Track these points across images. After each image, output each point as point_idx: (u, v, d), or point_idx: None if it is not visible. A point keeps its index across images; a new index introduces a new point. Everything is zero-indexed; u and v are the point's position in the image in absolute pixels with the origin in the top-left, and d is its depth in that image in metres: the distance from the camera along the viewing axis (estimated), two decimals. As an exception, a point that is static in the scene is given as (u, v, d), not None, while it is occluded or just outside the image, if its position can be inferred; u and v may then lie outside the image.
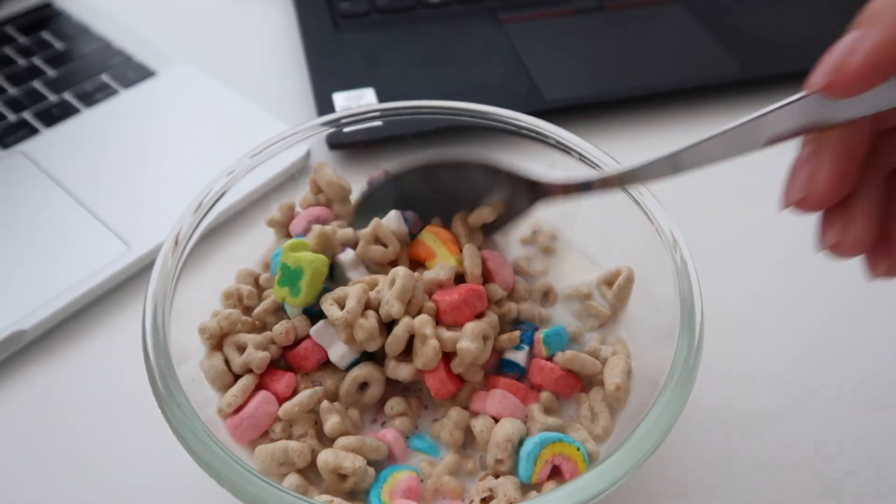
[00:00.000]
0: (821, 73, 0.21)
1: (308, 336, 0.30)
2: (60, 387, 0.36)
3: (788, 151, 0.24)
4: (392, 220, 0.33)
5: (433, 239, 0.33)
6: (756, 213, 0.46)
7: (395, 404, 0.29)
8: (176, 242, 0.30)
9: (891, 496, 0.33)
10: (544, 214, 0.37)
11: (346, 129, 0.38)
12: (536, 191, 0.31)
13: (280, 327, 0.29)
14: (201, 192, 0.32)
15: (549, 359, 0.30)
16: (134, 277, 0.40)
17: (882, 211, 0.23)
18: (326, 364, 0.30)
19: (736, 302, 0.40)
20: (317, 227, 0.31)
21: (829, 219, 0.23)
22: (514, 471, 0.27)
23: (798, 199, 0.22)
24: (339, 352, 0.29)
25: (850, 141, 0.22)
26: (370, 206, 0.35)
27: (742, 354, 0.37)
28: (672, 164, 0.25)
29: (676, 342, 0.27)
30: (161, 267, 0.29)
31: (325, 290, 0.30)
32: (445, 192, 0.33)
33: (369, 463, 0.27)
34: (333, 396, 0.29)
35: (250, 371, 0.29)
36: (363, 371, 0.29)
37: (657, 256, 0.30)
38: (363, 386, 0.29)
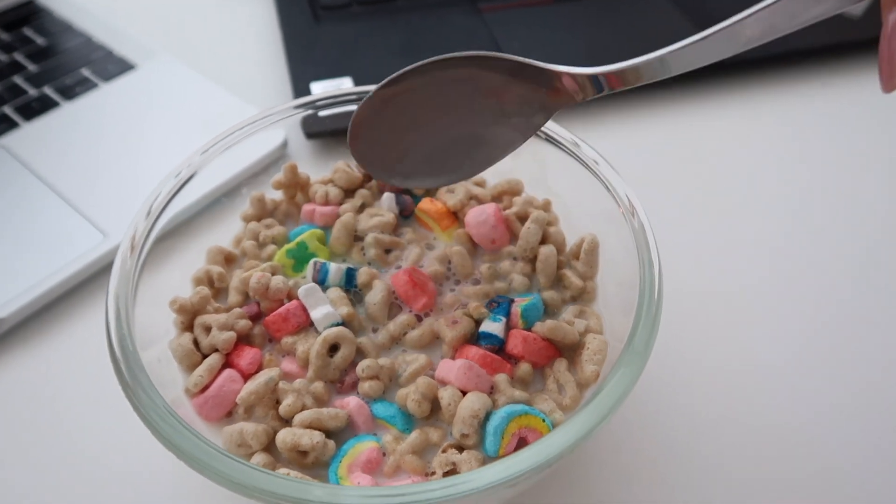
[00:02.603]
0: None
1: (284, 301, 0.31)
2: (39, 374, 0.36)
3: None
4: (385, 201, 0.35)
5: (426, 217, 0.35)
6: (738, 201, 0.46)
7: (367, 366, 0.29)
8: (132, 246, 0.30)
9: (870, 481, 0.33)
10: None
11: (322, 114, 0.38)
12: (549, 86, 0.28)
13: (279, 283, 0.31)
14: (150, 195, 0.32)
15: (528, 330, 0.30)
16: (111, 267, 0.40)
17: None
18: (301, 331, 0.31)
19: (728, 288, 0.40)
20: (339, 222, 0.34)
21: None
22: (479, 444, 0.28)
23: None
24: (322, 312, 0.30)
25: None
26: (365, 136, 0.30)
27: (720, 337, 0.38)
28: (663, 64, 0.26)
29: (636, 306, 0.27)
30: (119, 270, 0.29)
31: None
32: (443, 111, 0.30)
33: (331, 435, 0.27)
34: (305, 363, 0.29)
35: (217, 351, 0.29)
36: (333, 332, 0.29)
37: (617, 225, 0.31)
38: (333, 349, 0.29)
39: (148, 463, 0.33)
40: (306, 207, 0.36)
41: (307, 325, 0.31)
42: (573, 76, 0.28)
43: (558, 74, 0.28)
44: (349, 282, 0.32)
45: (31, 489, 0.32)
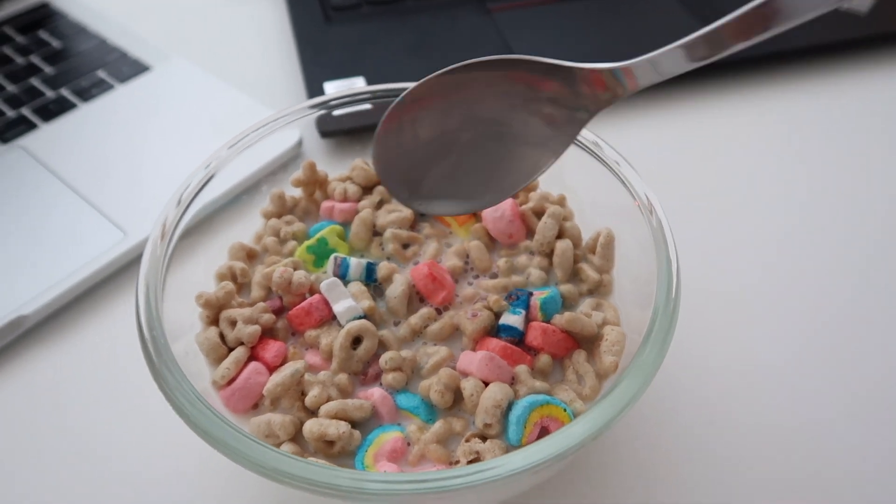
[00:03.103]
0: None
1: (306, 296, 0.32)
2: (61, 370, 0.37)
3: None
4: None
5: None
6: (752, 203, 0.46)
7: (390, 358, 0.30)
8: (162, 234, 0.31)
9: (876, 480, 0.33)
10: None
11: (336, 113, 0.39)
12: (579, 88, 0.27)
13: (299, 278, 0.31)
14: (181, 186, 0.33)
15: (547, 322, 0.31)
16: (131, 265, 0.41)
17: None
18: (324, 324, 0.31)
19: (731, 288, 0.40)
20: (358, 218, 0.35)
21: None
22: (502, 434, 0.28)
23: None
24: (344, 305, 0.31)
25: None
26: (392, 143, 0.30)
27: (736, 343, 0.38)
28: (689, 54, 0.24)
29: (654, 301, 0.28)
30: (150, 258, 0.30)
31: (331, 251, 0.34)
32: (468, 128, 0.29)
33: (356, 425, 0.28)
34: (328, 356, 0.30)
35: (242, 344, 0.30)
36: (356, 324, 0.30)
37: (636, 223, 0.31)
38: (356, 342, 0.30)
39: (170, 460, 0.33)
40: (325, 204, 0.36)
41: (329, 319, 0.31)
42: (601, 73, 0.26)
43: (586, 73, 0.26)
44: (369, 276, 0.33)
45: (52, 485, 0.33)
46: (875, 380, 0.36)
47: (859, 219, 0.44)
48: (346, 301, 0.31)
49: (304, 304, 0.31)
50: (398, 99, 0.28)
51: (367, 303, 0.31)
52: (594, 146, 0.34)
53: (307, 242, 0.34)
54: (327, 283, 0.31)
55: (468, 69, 0.27)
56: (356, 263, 0.33)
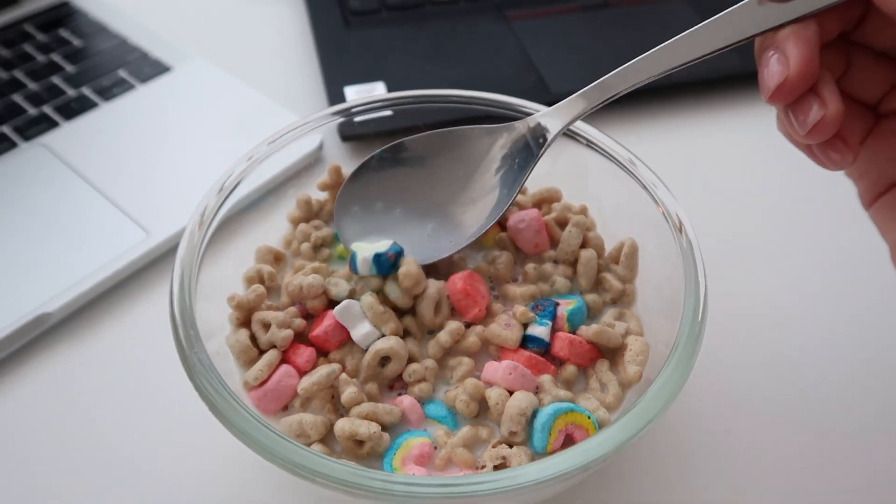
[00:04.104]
0: None
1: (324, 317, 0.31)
2: (83, 367, 0.37)
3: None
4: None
5: None
6: (770, 206, 0.47)
7: (413, 371, 0.30)
8: (201, 221, 0.31)
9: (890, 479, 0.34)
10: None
11: (357, 120, 0.39)
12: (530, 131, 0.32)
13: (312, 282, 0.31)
14: (224, 175, 0.34)
15: (573, 333, 0.31)
16: (153, 263, 0.42)
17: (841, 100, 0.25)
18: (345, 345, 0.31)
19: (750, 291, 0.41)
20: None
21: (804, 107, 0.25)
22: (527, 441, 0.28)
23: (778, 84, 0.24)
24: (361, 332, 0.30)
25: (805, 31, 0.24)
26: (354, 195, 0.34)
27: (755, 344, 0.39)
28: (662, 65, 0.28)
29: (681, 317, 0.28)
30: (187, 243, 0.31)
31: None
32: (433, 171, 0.34)
33: (385, 428, 0.28)
34: (354, 374, 0.30)
35: (274, 347, 0.30)
36: (386, 345, 0.30)
37: (664, 239, 0.32)
38: (384, 361, 0.30)
39: (193, 458, 0.34)
40: None
41: (349, 340, 0.31)
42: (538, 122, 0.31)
43: (521, 125, 0.31)
44: (381, 268, 0.31)
45: (74, 482, 0.33)
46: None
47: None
48: (364, 326, 0.30)
49: (321, 329, 0.30)
50: (347, 179, 0.33)
51: (391, 325, 0.30)
52: (628, 163, 0.34)
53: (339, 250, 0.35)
54: (340, 308, 0.31)
55: (413, 144, 0.33)
56: (363, 260, 0.31)
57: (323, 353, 0.31)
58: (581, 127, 0.36)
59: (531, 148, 0.32)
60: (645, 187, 0.33)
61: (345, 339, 0.31)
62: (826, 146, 0.26)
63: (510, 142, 0.33)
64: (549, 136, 0.32)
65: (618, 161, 0.34)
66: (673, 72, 0.28)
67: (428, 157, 0.34)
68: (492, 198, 0.33)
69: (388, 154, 0.34)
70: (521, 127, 0.33)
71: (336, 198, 0.34)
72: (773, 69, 0.25)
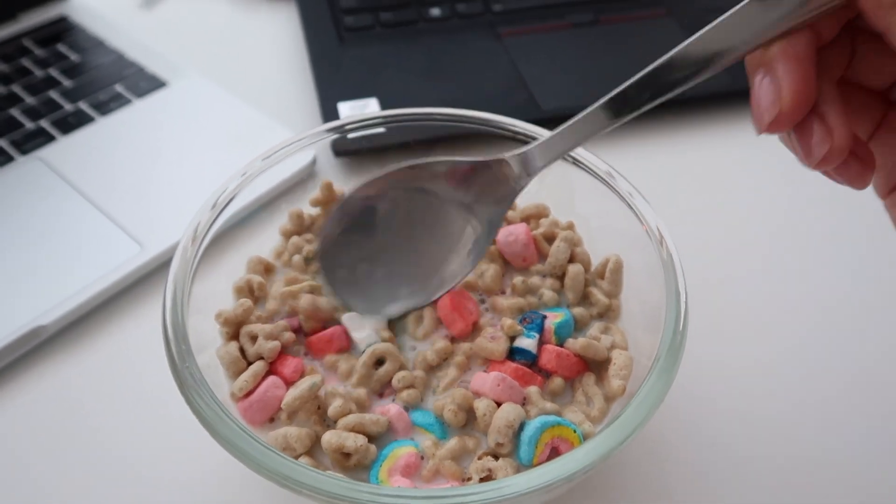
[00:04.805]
0: None
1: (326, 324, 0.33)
2: (78, 380, 0.38)
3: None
4: None
5: None
6: (751, 209, 0.48)
7: (402, 377, 0.30)
8: (194, 236, 0.32)
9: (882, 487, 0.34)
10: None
11: (351, 136, 0.40)
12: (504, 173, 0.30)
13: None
14: (217, 191, 0.34)
15: (560, 346, 0.32)
16: (147, 277, 0.42)
17: (847, 112, 0.23)
18: (343, 353, 0.32)
19: (733, 299, 0.42)
20: None
21: (806, 132, 0.23)
22: (513, 452, 0.29)
23: (773, 119, 0.23)
24: (363, 334, 0.32)
25: (796, 47, 0.22)
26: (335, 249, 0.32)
27: (740, 356, 0.39)
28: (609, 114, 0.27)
29: (662, 329, 0.29)
30: (180, 259, 0.31)
31: None
32: (405, 214, 0.32)
33: (371, 439, 0.29)
34: (348, 376, 0.31)
35: (261, 358, 0.31)
36: (381, 346, 0.31)
37: (646, 252, 0.32)
38: (378, 363, 0.31)
39: (186, 471, 0.34)
40: None
41: (348, 349, 0.33)
42: (509, 161, 0.30)
43: (500, 161, 0.30)
44: None
45: (68, 494, 0.34)
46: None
47: (866, 238, 0.45)
48: (367, 331, 0.32)
49: (326, 332, 0.32)
50: (330, 217, 0.31)
51: (386, 333, 0.32)
52: (607, 176, 0.35)
53: None
54: (349, 315, 0.33)
55: (389, 178, 0.31)
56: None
57: (318, 357, 0.32)
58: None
59: (504, 193, 0.31)
60: (623, 199, 0.34)
61: (344, 347, 0.32)
62: (841, 168, 0.24)
63: (483, 185, 0.31)
64: (519, 188, 0.31)
65: (596, 174, 0.35)
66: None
67: (402, 205, 0.32)
68: (470, 246, 0.32)
69: (361, 200, 0.31)
70: (494, 168, 0.30)
71: (319, 255, 0.31)
72: (765, 99, 0.23)
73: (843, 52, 0.24)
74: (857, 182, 0.25)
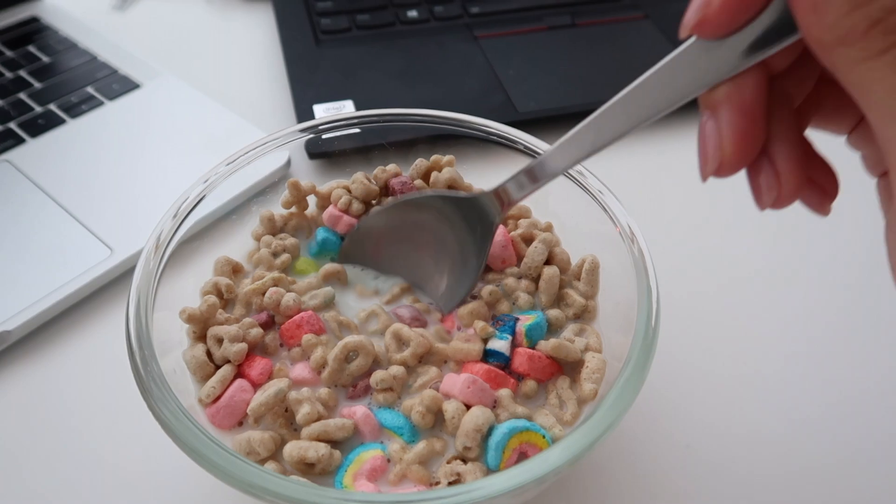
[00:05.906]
0: (692, 12, 0.20)
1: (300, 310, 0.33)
2: (44, 386, 0.37)
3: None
4: None
5: None
6: (731, 212, 0.48)
7: (381, 379, 0.30)
8: (157, 245, 0.31)
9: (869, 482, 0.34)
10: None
11: (325, 136, 0.40)
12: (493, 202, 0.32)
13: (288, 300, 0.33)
14: (179, 199, 0.34)
15: (532, 348, 0.32)
16: (117, 281, 0.41)
17: (800, 148, 0.22)
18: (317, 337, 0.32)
19: (714, 301, 0.41)
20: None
21: (756, 176, 0.22)
22: (481, 457, 0.29)
23: (715, 168, 0.22)
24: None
25: (741, 93, 0.21)
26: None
27: (715, 360, 0.39)
28: (591, 143, 0.27)
29: (634, 329, 0.28)
30: (143, 268, 0.30)
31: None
32: (408, 238, 0.35)
33: (336, 444, 0.28)
34: (319, 367, 0.30)
35: (229, 362, 0.30)
36: (354, 341, 0.30)
37: (618, 251, 0.32)
38: (350, 357, 0.31)
39: (155, 477, 0.33)
40: (331, 212, 0.37)
41: (321, 334, 0.32)
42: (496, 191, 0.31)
43: (489, 194, 0.31)
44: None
45: (34, 500, 0.33)
46: (869, 384, 0.37)
47: (841, 235, 0.45)
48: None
49: (296, 318, 0.32)
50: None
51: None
52: (578, 175, 0.34)
53: (314, 251, 0.37)
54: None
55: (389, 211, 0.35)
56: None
57: (290, 345, 0.32)
58: (535, 143, 0.36)
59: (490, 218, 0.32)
60: (594, 197, 0.34)
61: (315, 332, 0.32)
62: (802, 197, 0.23)
63: (472, 214, 0.33)
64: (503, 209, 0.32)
65: (567, 173, 0.35)
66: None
67: (404, 229, 0.35)
68: (463, 268, 0.34)
69: (379, 220, 0.36)
70: (482, 199, 0.32)
71: (344, 248, 0.36)
72: (710, 144, 0.22)
73: (806, 74, 0.23)
74: (818, 209, 0.24)
